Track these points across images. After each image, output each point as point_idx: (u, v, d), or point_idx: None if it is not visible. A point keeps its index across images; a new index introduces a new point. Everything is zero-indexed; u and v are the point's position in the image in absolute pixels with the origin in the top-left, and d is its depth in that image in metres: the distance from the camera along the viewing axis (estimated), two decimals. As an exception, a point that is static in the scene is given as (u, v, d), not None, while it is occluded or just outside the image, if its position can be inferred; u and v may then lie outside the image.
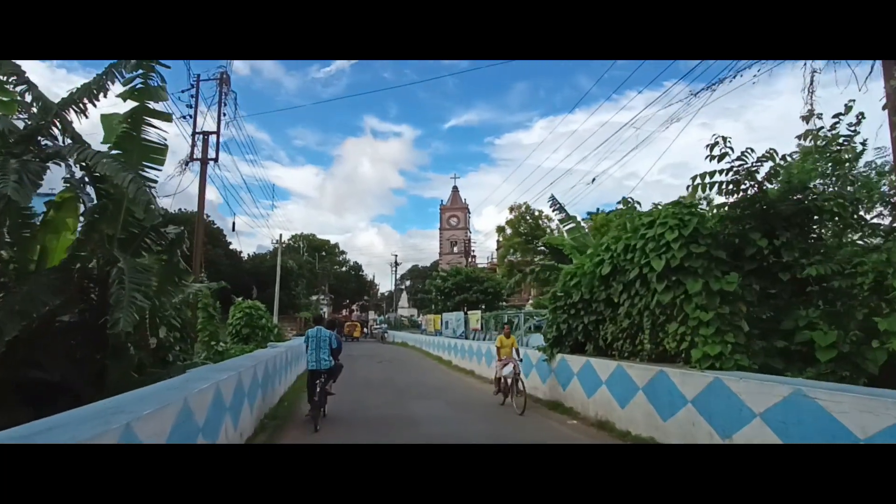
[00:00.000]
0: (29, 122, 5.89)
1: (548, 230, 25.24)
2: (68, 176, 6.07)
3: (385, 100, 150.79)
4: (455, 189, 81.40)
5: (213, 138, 13.30)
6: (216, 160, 13.34)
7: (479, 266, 52.01)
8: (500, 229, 27.51)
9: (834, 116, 6.58)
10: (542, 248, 26.52)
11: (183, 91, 13.46)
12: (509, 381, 9.12)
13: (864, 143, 6.63)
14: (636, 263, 6.81)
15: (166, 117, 6.47)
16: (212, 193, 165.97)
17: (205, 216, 40.55)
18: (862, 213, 6.59)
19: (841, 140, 6.55)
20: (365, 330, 58.62)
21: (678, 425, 5.92)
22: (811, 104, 7.40)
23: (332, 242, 69.79)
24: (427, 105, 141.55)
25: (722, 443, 5.19)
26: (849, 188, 6.38)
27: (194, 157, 12.94)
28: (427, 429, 7.60)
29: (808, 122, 6.99)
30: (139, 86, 5.89)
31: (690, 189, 6.58)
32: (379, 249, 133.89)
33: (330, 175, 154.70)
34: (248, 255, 47.93)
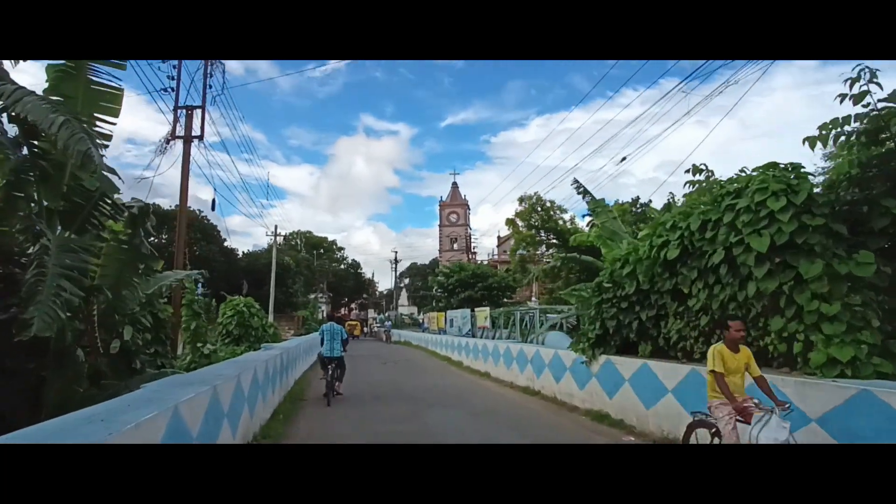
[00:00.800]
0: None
1: (560, 222, 23.85)
2: (-10, 128, 4.64)
3: (381, 98, 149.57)
4: (454, 185, 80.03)
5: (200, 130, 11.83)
6: (201, 138, 11.90)
7: (480, 263, 50.59)
8: (510, 222, 26.02)
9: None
10: (555, 241, 25.12)
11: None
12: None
13: None
14: (719, 243, 5.42)
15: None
16: (207, 193, 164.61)
17: (197, 211, 39.20)
18: None
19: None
20: (365, 329, 57.31)
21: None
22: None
23: (331, 240, 68.25)
24: (423, 103, 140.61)
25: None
26: None
27: (176, 134, 11.48)
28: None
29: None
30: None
31: (808, 143, 5.13)
32: (375, 248, 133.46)
33: (326, 174, 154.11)
34: (244, 252, 46.35)
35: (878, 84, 4.65)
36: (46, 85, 5.01)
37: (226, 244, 41.78)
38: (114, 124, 4.99)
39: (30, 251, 4.43)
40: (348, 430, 7.17)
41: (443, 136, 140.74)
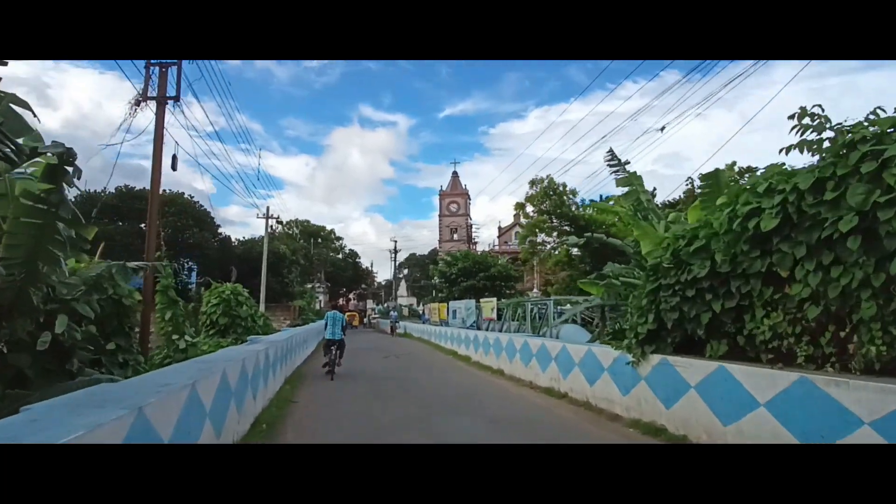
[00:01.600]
0: None
1: (573, 207, 22.37)
2: None
3: (378, 89, 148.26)
4: (455, 174, 78.55)
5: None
6: (177, 99, 10.32)
7: (483, 252, 49.13)
8: (520, 206, 24.53)
9: None
10: (567, 227, 23.67)
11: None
12: None
13: None
14: (847, 207, 4.00)
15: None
16: (205, 184, 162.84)
17: (188, 197, 37.59)
18: None
19: None
20: (364, 320, 56.15)
21: None
22: None
23: (329, 229, 66.64)
24: (421, 95, 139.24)
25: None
26: None
27: (148, 95, 9.90)
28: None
29: None
30: None
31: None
32: (371, 239, 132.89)
33: (323, 165, 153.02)
34: (239, 239, 44.71)
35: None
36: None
37: (220, 230, 40.23)
38: None
39: None
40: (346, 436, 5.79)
41: (440, 128, 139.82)
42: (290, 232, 56.13)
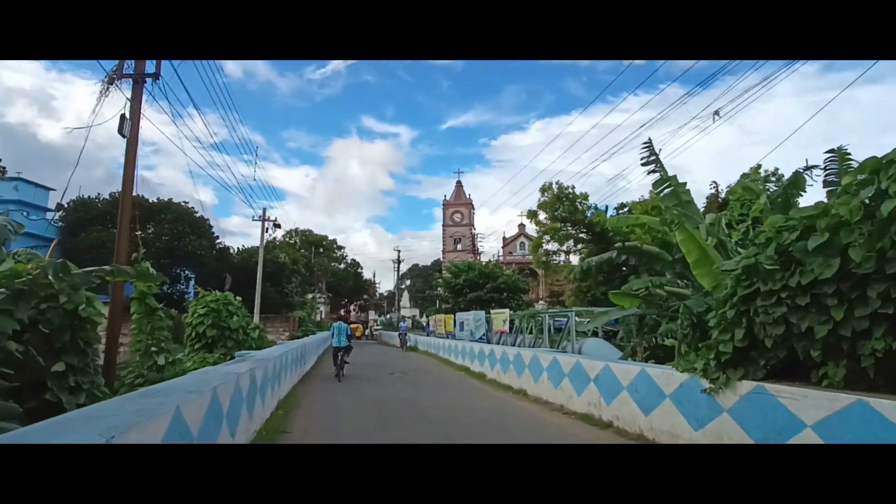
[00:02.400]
0: None
1: (587, 212, 21.00)
2: None
3: (381, 101, 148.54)
4: (459, 184, 77.65)
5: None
6: (156, 77, 9.01)
7: (488, 263, 47.75)
8: (532, 214, 23.16)
9: None
10: (584, 233, 22.32)
11: None
12: None
13: None
14: None
15: None
16: (206, 195, 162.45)
17: (183, 203, 36.38)
18: None
19: None
20: (366, 331, 54.79)
21: None
22: None
23: (330, 238, 65.36)
24: (422, 107, 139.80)
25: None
26: None
27: (123, 72, 8.62)
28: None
29: None
30: None
31: None
32: (372, 250, 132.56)
33: (326, 177, 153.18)
34: (238, 248, 43.32)
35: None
36: None
37: (218, 240, 38.95)
38: None
39: None
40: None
41: (441, 139, 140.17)
42: (291, 241, 54.88)
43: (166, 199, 36.52)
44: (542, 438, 7.06)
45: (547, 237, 22.17)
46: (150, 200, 35.77)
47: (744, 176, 21.18)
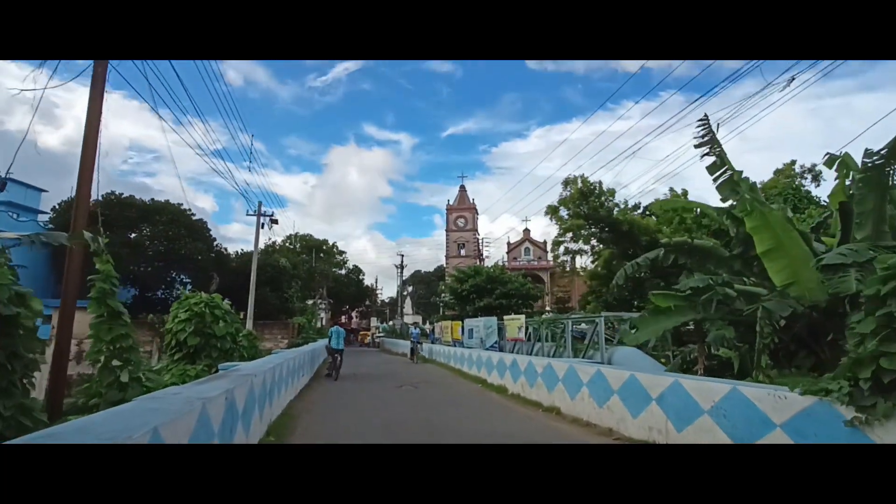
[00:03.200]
0: None
1: (614, 208, 19.45)
2: None
3: (380, 109, 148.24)
4: (462, 188, 76.30)
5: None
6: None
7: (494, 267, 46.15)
8: (553, 210, 21.55)
9: None
10: (607, 232, 20.67)
11: None
12: None
13: None
14: None
15: None
16: (206, 202, 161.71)
17: (178, 205, 34.90)
18: None
19: None
20: (368, 339, 53.30)
21: None
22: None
23: (331, 242, 63.80)
24: (422, 114, 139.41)
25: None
26: None
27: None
28: None
29: None
30: None
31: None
32: (371, 257, 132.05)
33: (327, 184, 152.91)
34: (237, 252, 41.73)
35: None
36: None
37: (216, 243, 37.47)
38: None
39: None
40: None
41: (441, 147, 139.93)
42: (291, 247, 53.38)
43: (162, 201, 35.10)
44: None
45: (570, 234, 20.54)
46: (146, 201, 34.42)
47: (777, 172, 19.72)
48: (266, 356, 11.82)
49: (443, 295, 45.98)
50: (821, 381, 4.47)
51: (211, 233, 36.95)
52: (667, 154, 54.24)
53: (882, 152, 7.04)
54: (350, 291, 62.99)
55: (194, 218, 35.58)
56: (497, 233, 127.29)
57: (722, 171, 8.98)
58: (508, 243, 73.43)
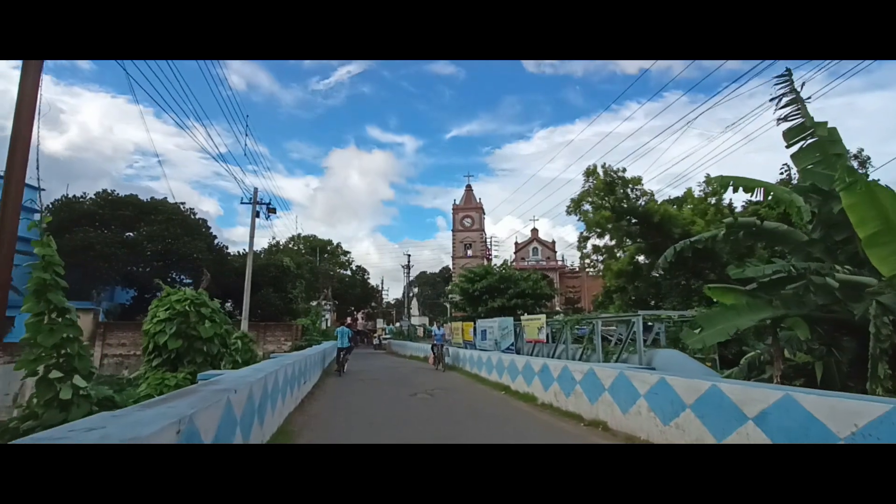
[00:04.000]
0: None
1: (641, 198, 17.89)
2: None
3: (384, 112, 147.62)
4: (469, 188, 74.96)
5: None
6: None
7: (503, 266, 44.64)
8: (576, 203, 19.87)
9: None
10: (636, 224, 19.06)
11: None
12: None
13: None
14: None
15: None
16: (211, 206, 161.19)
17: (179, 206, 33.63)
18: None
19: None
20: (374, 340, 51.93)
21: None
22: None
23: (335, 243, 62.48)
24: (425, 117, 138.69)
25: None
26: None
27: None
28: None
29: None
30: None
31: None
32: (374, 259, 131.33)
33: (330, 187, 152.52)
34: (238, 252, 40.37)
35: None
36: None
37: (216, 242, 36.15)
38: None
39: None
40: None
41: (444, 149, 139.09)
42: (295, 248, 52.05)
43: (160, 199, 33.85)
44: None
45: (596, 229, 18.87)
46: (143, 200, 33.21)
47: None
48: (263, 361, 10.35)
49: (451, 296, 44.49)
50: None
51: (211, 231, 35.69)
52: (672, 156, 52.76)
53: None
54: (355, 292, 61.57)
55: (194, 217, 34.35)
56: (501, 235, 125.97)
57: (805, 134, 7.44)
58: (516, 243, 72.01)
